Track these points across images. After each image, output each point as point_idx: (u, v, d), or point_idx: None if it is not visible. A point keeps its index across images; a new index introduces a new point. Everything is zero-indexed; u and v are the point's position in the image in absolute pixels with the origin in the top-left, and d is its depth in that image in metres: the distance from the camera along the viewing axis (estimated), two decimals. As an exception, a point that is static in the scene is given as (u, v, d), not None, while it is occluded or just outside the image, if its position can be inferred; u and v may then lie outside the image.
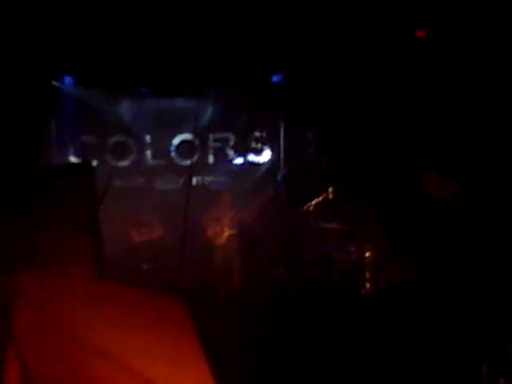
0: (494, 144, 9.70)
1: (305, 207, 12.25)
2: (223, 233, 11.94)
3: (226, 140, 13.75)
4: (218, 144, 13.76)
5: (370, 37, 11.07)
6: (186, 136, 13.53)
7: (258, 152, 13.80)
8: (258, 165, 13.81)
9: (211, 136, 13.70)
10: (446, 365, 6.23)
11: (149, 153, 13.79)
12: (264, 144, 13.79)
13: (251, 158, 13.81)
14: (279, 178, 13.57)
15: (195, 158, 13.13)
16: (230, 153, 13.77)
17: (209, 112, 13.08)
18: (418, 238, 10.08)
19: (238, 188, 12.94)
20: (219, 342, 5.71)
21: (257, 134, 13.76)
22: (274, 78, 13.10)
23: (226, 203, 12.06)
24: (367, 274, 11.01)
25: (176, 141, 13.66)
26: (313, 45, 11.41)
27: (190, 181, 6.36)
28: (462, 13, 9.87)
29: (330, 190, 12.05)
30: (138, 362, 3.21)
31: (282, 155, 13.66)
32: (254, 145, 13.79)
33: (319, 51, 11.65)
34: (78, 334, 3.29)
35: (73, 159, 13.00)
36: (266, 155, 13.79)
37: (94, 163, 11.80)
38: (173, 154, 13.71)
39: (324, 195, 12.10)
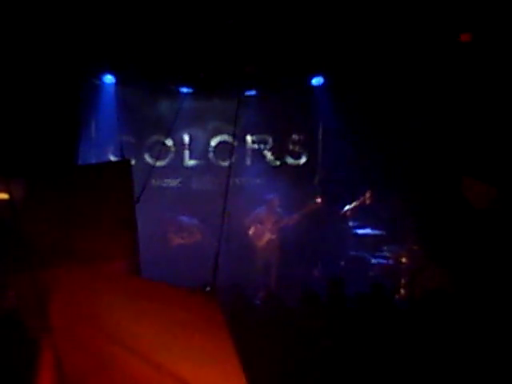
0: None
1: (342, 211, 12.22)
2: (264, 236, 11.99)
3: (264, 142, 13.77)
4: (256, 146, 13.78)
5: (411, 40, 11.00)
6: (224, 137, 13.57)
7: (296, 155, 13.79)
8: (295, 168, 13.80)
9: (249, 138, 13.74)
10: (479, 371, 6.15)
11: (187, 153, 13.85)
12: (302, 147, 13.78)
13: (288, 160, 13.81)
14: (316, 181, 13.54)
15: (233, 159, 13.15)
16: (268, 155, 13.78)
17: (247, 114, 13.09)
18: (456, 245, 10.00)
19: (274, 191, 12.93)
20: (251, 342, 5.71)
21: (295, 136, 13.76)
22: (314, 81, 13.07)
23: (273, 207, 12.09)
24: (402, 280, 10.95)
25: (214, 142, 13.71)
26: (353, 47, 11.37)
27: (228, 182, 6.36)
28: (507, 17, 9.76)
29: (368, 195, 12.01)
30: (170, 359, 3.22)
31: (319, 159, 13.64)
32: (291, 147, 13.79)
33: (360, 54, 11.60)
34: (112, 330, 3.31)
35: (112, 158, 13.09)
36: (303, 158, 13.78)
37: (133, 162, 11.87)
38: (211, 154, 13.76)
39: (361, 200, 12.06)
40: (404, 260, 11.12)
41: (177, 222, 12.86)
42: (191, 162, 13.90)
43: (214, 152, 13.71)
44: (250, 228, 12.12)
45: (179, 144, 13.72)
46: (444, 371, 6.27)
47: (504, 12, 9.72)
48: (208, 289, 4.95)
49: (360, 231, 12.03)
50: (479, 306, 7.46)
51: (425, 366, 6.35)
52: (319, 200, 12.25)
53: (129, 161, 5.17)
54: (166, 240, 12.73)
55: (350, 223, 12.20)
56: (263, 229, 12.02)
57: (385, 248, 11.75)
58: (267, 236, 12.02)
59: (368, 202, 12.05)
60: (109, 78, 12.90)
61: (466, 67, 10.90)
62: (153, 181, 12.77)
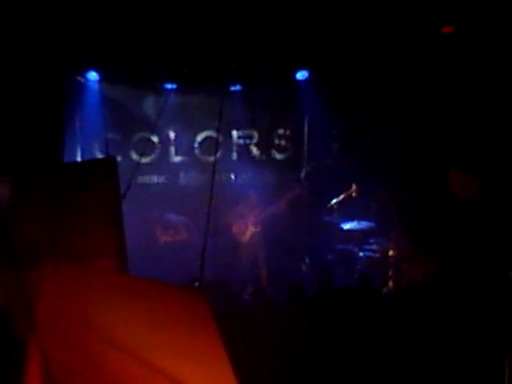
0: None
1: (328, 205, 12.23)
2: (247, 230, 12.03)
3: (249, 137, 13.74)
4: (242, 141, 13.76)
5: (396, 33, 11.02)
6: (210, 133, 13.52)
7: (282, 149, 13.79)
8: (281, 162, 13.80)
9: (235, 133, 13.71)
10: (467, 363, 6.19)
11: (172, 149, 13.80)
12: (287, 141, 13.78)
13: (275, 155, 13.81)
14: (302, 175, 13.54)
15: (219, 154, 13.14)
16: (254, 150, 13.77)
17: (233, 109, 13.09)
18: (442, 237, 10.04)
19: (261, 185, 12.96)
20: (240, 337, 5.71)
21: (280, 131, 13.75)
22: (299, 75, 13.07)
23: (252, 201, 12.15)
24: (390, 273, 10.99)
25: (200, 137, 13.67)
26: (337, 41, 11.38)
27: (213, 178, 6.33)
28: (489, 10, 9.80)
29: (354, 187, 12.02)
30: (157, 356, 3.22)
31: (305, 153, 13.65)
32: (277, 142, 13.78)
33: (344, 47, 11.61)
34: (100, 327, 3.31)
35: (97, 155, 13.03)
36: (289, 152, 13.78)
37: (119, 159, 11.82)
38: (196, 150, 13.72)
39: (347, 193, 12.07)
40: (391, 253, 11.15)
41: (163, 220, 12.83)
42: (177, 159, 13.83)
43: (200, 148, 13.67)
44: (232, 225, 12.15)
45: (165, 140, 13.66)
46: (432, 362, 6.30)
47: (485, 3, 9.76)
48: (196, 284, 4.96)
49: (347, 224, 12.04)
50: (466, 296, 7.51)
51: (413, 357, 6.38)
52: (297, 189, 12.33)
53: (114, 158, 5.17)
54: (153, 237, 12.69)
55: (337, 216, 12.21)
56: (245, 223, 12.06)
57: (372, 241, 11.78)
58: (250, 230, 12.06)
59: (354, 194, 12.05)
60: (93, 75, 12.82)
61: (448, 59, 10.95)
62: (139, 178, 12.71)
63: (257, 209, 12.12)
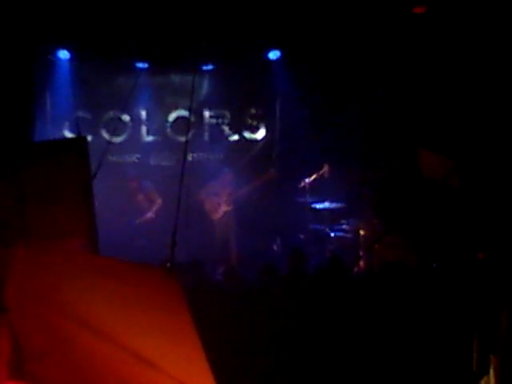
0: (490, 121, 9.71)
1: (300, 185, 12.25)
2: (219, 208, 12.03)
3: (221, 117, 13.71)
4: (214, 121, 13.72)
5: (367, 13, 11.03)
6: (182, 112, 13.47)
7: (254, 129, 13.77)
8: (253, 142, 13.79)
9: (207, 112, 13.67)
10: (436, 342, 6.27)
11: (144, 129, 13.74)
12: (260, 121, 13.76)
13: (247, 134, 13.79)
14: (274, 155, 13.55)
15: (190, 134, 13.09)
16: (226, 129, 13.74)
17: (205, 88, 13.07)
18: (412, 217, 10.11)
19: (233, 165, 12.95)
20: (212, 317, 5.73)
21: (252, 110, 13.73)
22: (271, 55, 13.04)
23: (227, 180, 12.14)
24: (361, 253, 11.06)
25: (171, 117, 13.61)
26: (310, 20, 11.36)
27: (185, 157, 6.31)
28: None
29: (325, 168, 12.04)
30: (128, 337, 3.21)
31: (277, 132, 13.64)
32: (249, 122, 13.76)
33: (316, 27, 11.59)
34: (71, 308, 3.29)
35: (68, 134, 12.94)
36: (261, 132, 13.77)
37: (89, 139, 11.74)
38: (168, 130, 13.67)
39: (319, 173, 12.09)
40: (362, 233, 11.23)
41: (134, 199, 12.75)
42: (149, 138, 13.79)
43: (172, 127, 13.62)
44: (204, 201, 12.14)
45: (136, 120, 13.59)
46: (403, 341, 6.38)
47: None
48: (168, 265, 4.96)
49: (318, 205, 12.07)
50: (436, 276, 7.59)
51: (384, 337, 6.45)
52: (272, 170, 12.35)
53: (85, 137, 5.14)
54: (125, 217, 12.61)
55: (309, 196, 12.23)
56: (218, 201, 12.07)
57: (343, 221, 11.83)
58: (223, 208, 12.08)
59: (326, 175, 12.08)
60: (64, 54, 12.70)
61: (420, 39, 10.99)
62: (110, 157, 12.62)
63: (230, 187, 12.12)
